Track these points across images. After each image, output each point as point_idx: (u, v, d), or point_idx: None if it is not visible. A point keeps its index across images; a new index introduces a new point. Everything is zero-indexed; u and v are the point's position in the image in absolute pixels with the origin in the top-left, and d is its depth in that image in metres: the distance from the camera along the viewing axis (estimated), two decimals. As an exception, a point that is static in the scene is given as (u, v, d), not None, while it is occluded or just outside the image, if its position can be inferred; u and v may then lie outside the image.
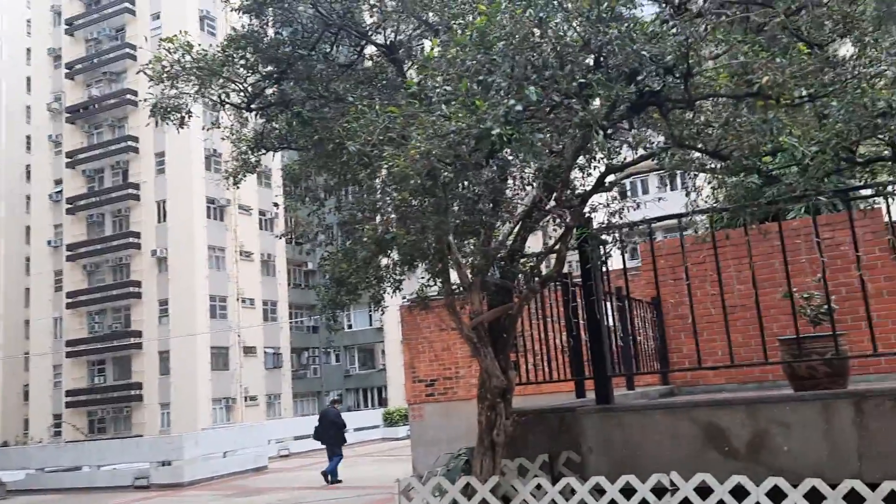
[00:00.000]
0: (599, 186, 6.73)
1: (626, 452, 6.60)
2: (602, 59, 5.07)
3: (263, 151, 9.77)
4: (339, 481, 22.25)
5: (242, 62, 7.69)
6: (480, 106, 4.68)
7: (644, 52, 4.67)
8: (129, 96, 56.74)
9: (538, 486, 6.35)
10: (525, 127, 4.68)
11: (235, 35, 7.87)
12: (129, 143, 56.29)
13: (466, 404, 20.87)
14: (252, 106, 8.34)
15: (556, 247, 6.94)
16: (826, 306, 8.84)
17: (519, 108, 4.76)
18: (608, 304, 12.26)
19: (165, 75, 7.55)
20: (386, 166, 5.42)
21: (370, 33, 8.08)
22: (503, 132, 4.52)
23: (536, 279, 7.39)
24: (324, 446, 23.58)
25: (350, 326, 63.30)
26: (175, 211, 53.93)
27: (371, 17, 8.11)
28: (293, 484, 22.96)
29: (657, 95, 5.26)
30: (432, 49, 5.86)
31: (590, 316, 7.32)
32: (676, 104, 5.21)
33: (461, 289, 7.51)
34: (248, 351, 56.16)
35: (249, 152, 9.47)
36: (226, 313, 54.87)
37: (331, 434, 22.88)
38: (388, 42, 8.08)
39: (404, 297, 10.42)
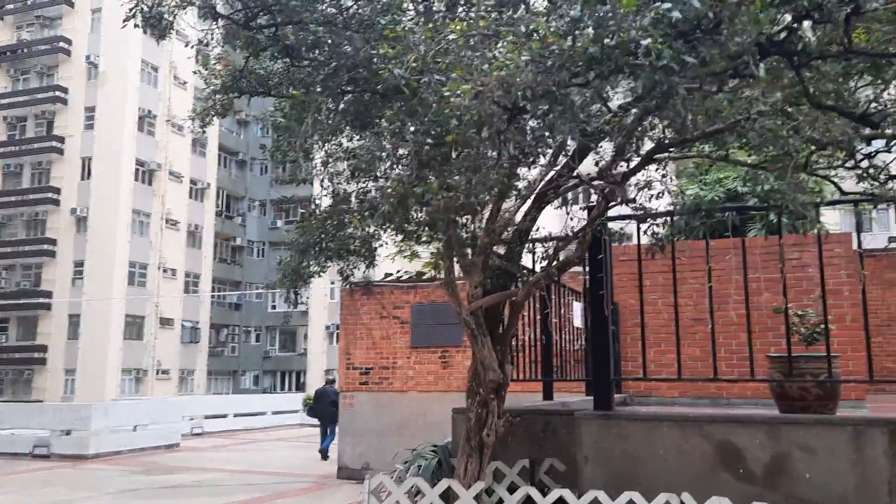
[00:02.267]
0: (647, 162, 6.06)
1: (626, 465, 6.04)
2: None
3: (237, 95, 8.84)
4: (328, 458, 22.55)
5: None
6: (628, 5, 3.57)
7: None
8: (61, 44, 53.64)
9: (527, 497, 5.72)
10: (684, 46, 3.61)
11: None
12: (58, 93, 53.22)
13: (402, 397, 20.24)
14: (252, 23, 7.35)
15: (584, 228, 6.33)
16: (822, 326, 8.50)
17: (678, 15, 3.58)
18: (579, 305, 11.82)
19: None
20: (446, 95, 4.51)
21: None
22: (654, 46, 3.45)
23: (553, 264, 6.75)
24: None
25: (274, 307, 61.77)
26: (101, 170, 51.28)
27: None
28: (207, 465, 21.79)
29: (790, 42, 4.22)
30: None
31: (596, 313, 6.70)
32: (823, 55, 4.27)
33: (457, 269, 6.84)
34: (165, 323, 53.98)
35: (221, 94, 8.54)
36: (145, 282, 52.56)
37: (332, 412, 22.41)
38: None
39: (346, 279, 9.65)
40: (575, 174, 6.80)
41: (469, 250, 6.64)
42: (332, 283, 55.98)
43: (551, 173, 6.81)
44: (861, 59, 4.30)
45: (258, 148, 61.13)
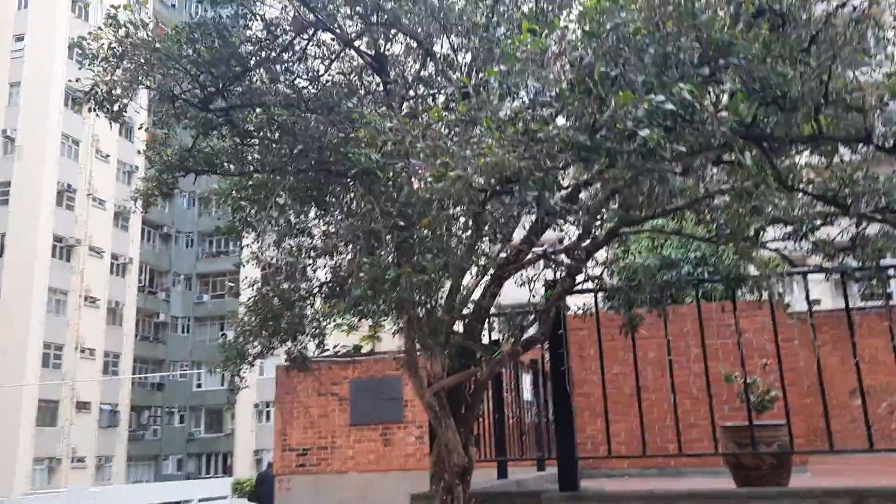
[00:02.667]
0: (611, 238, 6.16)
1: (600, 550, 5.90)
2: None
3: (183, 174, 8.65)
4: None
5: (195, 55, 6.67)
6: (625, 99, 3.70)
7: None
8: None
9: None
10: (672, 135, 3.76)
11: (190, 23, 6.90)
12: (-30, 168, 51.23)
13: (341, 479, 19.55)
14: (211, 105, 7.22)
15: (550, 305, 6.34)
16: (771, 394, 8.69)
17: (670, 106, 3.80)
18: (528, 377, 11.78)
19: (109, 53, 6.40)
20: (428, 179, 4.51)
21: (354, 39, 7.35)
22: (654, 135, 3.56)
23: (518, 342, 6.73)
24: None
25: (199, 385, 59.58)
26: (15, 247, 49.12)
27: (353, 24, 7.47)
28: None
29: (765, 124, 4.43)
30: (510, 38, 4.94)
31: (558, 390, 6.67)
32: (794, 140, 4.45)
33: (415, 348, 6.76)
34: (82, 406, 51.17)
35: (166, 173, 8.34)
36: (60, 363, 49.93)
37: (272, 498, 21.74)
38: (375, 52, 7.38)
39: (294, 360, 9.43)
40: (541, 250, 6.87)
41: (429, 329, 6.56)
42: (261, 360, 54.45)
43: (506, 250, 6.85)
44: (830, 144, 4.52)
45: (184, 220, 60.01)
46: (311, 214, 10.06)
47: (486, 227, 5.72)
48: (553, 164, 4.03)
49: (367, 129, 5.40)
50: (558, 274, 7.25)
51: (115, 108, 6.65)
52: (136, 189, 9.04)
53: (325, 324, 9.33)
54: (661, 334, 11.29)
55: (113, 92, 6.50)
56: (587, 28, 3.96)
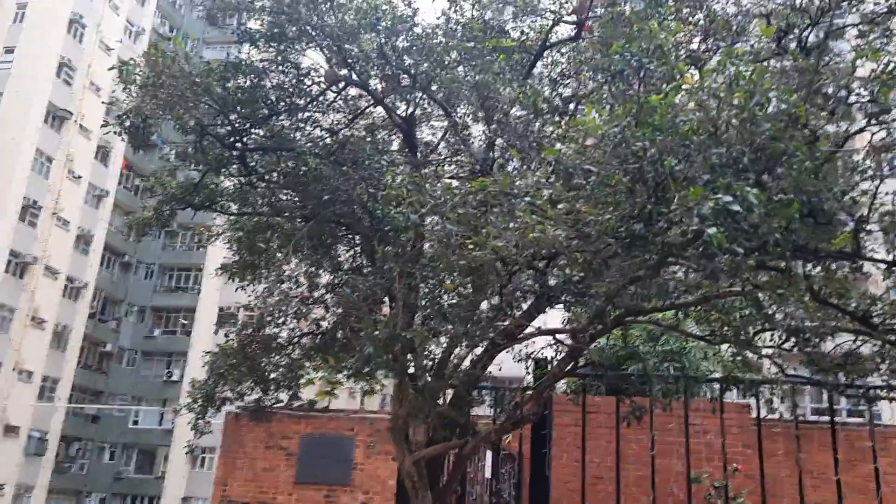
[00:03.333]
0: (615, 325, 6.22)
1: None
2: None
3: (183, 207, 8.61)
4: None
5: (225, 93, 6.69)
6: (695, 196, 3.77)
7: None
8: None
9: None
10: (735, 233, 3.82)
11: (224, 62, 6.95)
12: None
13: (283, 538, 18.76)
14: (239, 143, 7.24)
15: (546, 384, 6.32)
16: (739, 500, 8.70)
17: (736, 207, 3.85)
18: (489, 454, 11.59)
19: (148, 81, 6.38)
20: (469, 248, 4.52)
21: (384, 98, 7.44)
22: (718, 235, 3.61)
23: (510, 419, 6.69)
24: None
25: (136, 422, 57.53)
26: (-32, 257, 47.67)
27: (380, 85, 7.62)
28: None
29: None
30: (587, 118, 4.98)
31: (536, 472, 6.61)
32: (834, 256, 4.57)
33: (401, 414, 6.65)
34: (10, 431, 48.87)
35: (168, 205, 8.28)
36: (-6, 383, 47.89)
37: None
38: (405, 114, 7.48)
39: (263, 409, 9.20)
40: (539, 327, 6.89)
41: (418, 396, 6.50)
42: (180, 405, 52.80)
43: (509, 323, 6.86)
44: (867, 263, 4.66)
45: (147, 251, 58.98)
46: (306, 263, 10.00)
47: (503, 300, 5.76)
48: (603, 247, 4.11)
49: (401, 189, 5.44)
50: (558, 354, 7.26)
51: (144, 132, 6.61)
52: (129, 216, 8.98)
53: (305, 375, 9.17)
54: (627, 429, 11.20)
55: (148, 119, 6.47)
56: (652, 120, 4.09)
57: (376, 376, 12.22)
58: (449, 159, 7.62)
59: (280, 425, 20.50)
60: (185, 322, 58.18)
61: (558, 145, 5.14)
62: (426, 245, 5.65)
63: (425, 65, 7.12)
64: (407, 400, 6.99)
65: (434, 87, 7.55)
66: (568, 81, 7.94)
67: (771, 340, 8.03)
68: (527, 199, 4.59)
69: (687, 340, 7.35)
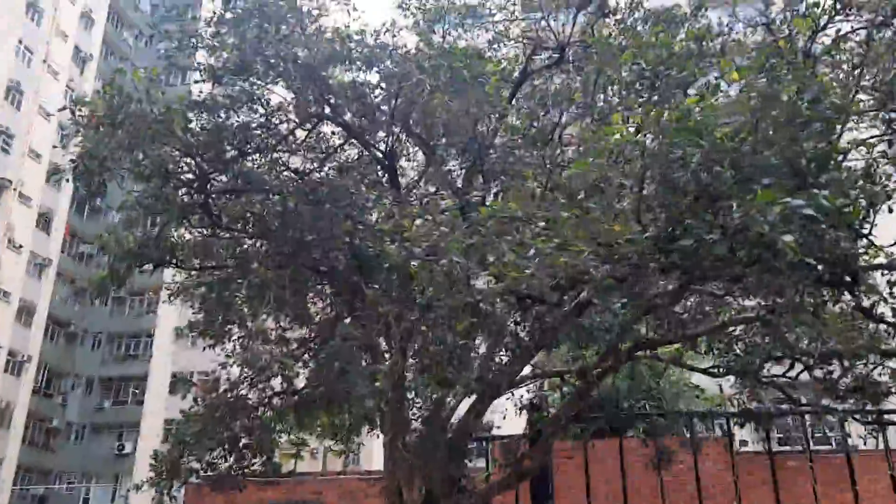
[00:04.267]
0: (626, 361, 5.75)
1: None
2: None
3: (140, 264, 7.92)
4: None
5: (187, 134, 6.12)
6: (765, 198, 3.26)
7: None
8: None
9: None
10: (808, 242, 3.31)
11: (187, 101, 6.37)
12: None
13: None
14: (206, 187, 6.62)
15: (553, 432, 5.77)
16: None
17: (809, 211, 3.32)
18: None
19: (105, 121, 5.76)
20: (487, 277, 3.99)
21: (361, 134, 6.96)
22: (791, 244, 3.10)
23: (514, 473, 6.11)
24: None
25: (87, 501, 54.55)
26: None
27: (356, 120, 7.17)
28: None
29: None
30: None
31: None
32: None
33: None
34: (-50, 519, 45.80)
35: (124, 262, 7.58)
36: (-67, 467, 45.00)
37: None
38: (386, 148, 7.01)
39: (235, 477, 8.49)
40: (548, 370, 6.36)
41: (406, 449, 5.89)
42: (143, 480, 50.34)
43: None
44: None
45: (94, 319, 56.74)
46: (278, 317, 9.32)
47: (516, 341, 5.24)
48: (636, 271, 3.67)
49: (399, 223, 4.94)
50: (563, 397, 6.70)
51: (99, 179, 6.00)
52: (82, 280, 8.25)
53: (278, 439, 8.46)
54: (609, 466, 10.74)
55: (104, 162, 5.85)
56: (691, 125, 3.70)
57: (358, 434, 11.52)
58: (431, 195, 7.20)
59: (244, 494, 19.38)
60: (137, 391, 55.79)
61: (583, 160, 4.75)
62: (420, 283, 5.13)
63: (401, 99, 6.72)
64: (401, 457, 6.36)
65: (411, 121, 7.16)
66: (548, 109, 7.66)
67: (779, 370, 7.73)
68: (541, 223, 4.20)
69: (717, 377, 7.02)
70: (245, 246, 8.83)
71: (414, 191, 7.23)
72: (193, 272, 9.14)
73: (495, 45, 8.27)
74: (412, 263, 4.72)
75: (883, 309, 5.04)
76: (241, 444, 10.99)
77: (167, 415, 50.92)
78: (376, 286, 5.66)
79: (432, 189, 7.56)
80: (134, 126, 6.02)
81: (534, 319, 5.02)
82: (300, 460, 25.19)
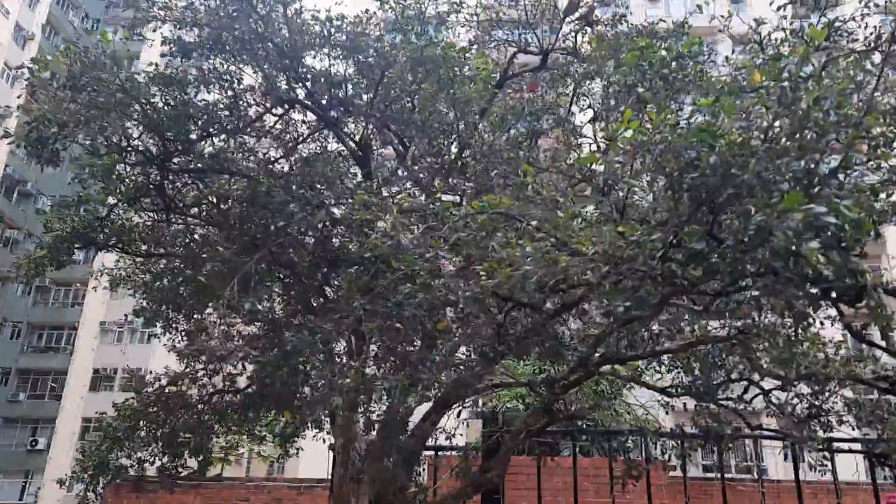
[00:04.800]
0: (591, 375, 5.62)
1: None
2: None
3: (79, 246, 7.44)
4: None
5: (150, 107, 5.69)
6: (790, 203, 3.11)
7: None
8: None
9: None
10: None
11: (154, 73, 5.97)
12: None
13: None
14: (171, 163, 6.20)
15: (515, 441, 5.58)
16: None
17: (831, 219, 3.23)
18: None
19: (67, 83, 5.32)
20: (482, 277, 3.79)
21: (335, 123, 6.67)
22: (813, 253, 2.93)
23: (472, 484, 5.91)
24: None
25: (-8, 498, 51.92)
26: None
27: (332, 109, 6.88)
28: None
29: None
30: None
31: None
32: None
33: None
34: None
35: (66, 243, 7.10)
36: None
37: None
38: (360, 139, 6.73)
39: (169, 477, 8.10)
40: (517, 380, 6.20)
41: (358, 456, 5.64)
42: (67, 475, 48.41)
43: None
44: None
45: (14, 309, 54.26)
46: (227, 310, 8.91)
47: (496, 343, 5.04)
48: (638, 272, 3.52)
49: (375, 214, 4.70)
50: (528, 407, 6.53)
51: (52, 148, 5.56)
52: (14, 262, 7.71)
53: (217, 438, 8.07)
54: (549, 485, 10.61)
55: (63, 129, 5.42)
56: (707, 126, 3.59)
57: (299, 438, 11.12)
58: (406, 188, 6.99)
59: (168, 497, 18.58)
60: (55, 386, 53.47)
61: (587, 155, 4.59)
62: (398, 279, 4.90)
63: (380, 91, 6.49)
64: (350, 462, 6.08)
65: (387, 115, 6.92)
66: (525, 115, 7.58)
67: (732, 392, 7.76)
68: (533, 222, 4.04)
69: (673, 396, 6.96)
70: (199, 234, 8.42)
71: (386, 186, 7.00)
72: (138, 258, 8.66)
73: (475, 46, 8.16)
74: (396, 256, 4.48)
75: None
76: (176, 443, 10.49)
77: (86, 412, 49.01)
78: (346, 280, 5.41)
79: (407, 185, 7.37)
80: (97, 92, 5.62)
81: (511, 324, 4.85)
82: (227, 465, 24.38)
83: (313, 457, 15.54)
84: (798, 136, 3.60)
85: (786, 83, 3.72)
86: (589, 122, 6.60)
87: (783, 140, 3.67)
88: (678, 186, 3.64)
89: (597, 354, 6.07)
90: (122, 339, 52.05)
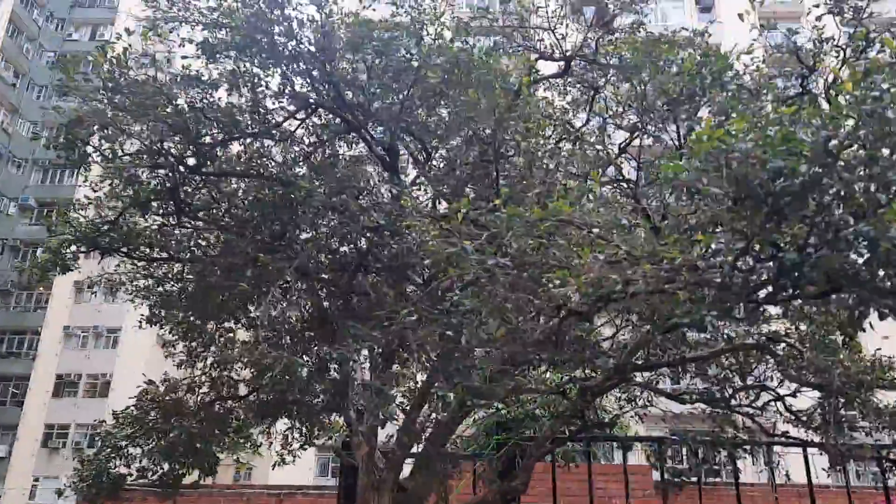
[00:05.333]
0: (622, 382, 5.63)
1: None
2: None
3: (86, 250, 7.25)
4: None
5: (178, 109, 5.54)
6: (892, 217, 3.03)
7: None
8: None
9: None
10: None
11: (179, 74, 5.82)
12: None
13: None
14: (205, 168, 6.06)
15: (541, 451, 5.58)
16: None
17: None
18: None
19: (107, 84, 5.14)
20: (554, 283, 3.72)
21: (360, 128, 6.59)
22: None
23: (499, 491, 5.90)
24: None
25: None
26: None
27: (357, 112, 6.78)
28: None
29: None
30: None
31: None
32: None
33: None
34: None
35: (74, 245, 6.92)
36: None
37: None
38: (389, 145, 6.66)
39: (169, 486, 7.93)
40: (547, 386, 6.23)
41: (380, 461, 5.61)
42: (36, 479, 46.90)
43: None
44: None
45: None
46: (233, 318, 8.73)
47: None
48: (714, 283, 3.53)
49: (432, 217, 4.66)
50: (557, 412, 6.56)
51: (81, 150, 5.40)
52: (30, 265, 7.51)
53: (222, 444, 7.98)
54: (534, 491, 10.62)
55: (106, 130, 5.27)
56: (786, 134, 3.61)
57: (309, 446, 10.96)
58: (431, 194, 6.93)
59: (142, 505, 18.16)
60: (17, 392, 52.09)
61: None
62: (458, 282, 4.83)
63: (409, 94, 6.44)
64: (374, 470, 6.02)
65: (411, 119, 6.87)
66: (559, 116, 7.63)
67: (758, 399, 7.84)
68: (595, 230, 4.03)
69: (688, 403, 7.03)
70: (207, 238, 8.25)
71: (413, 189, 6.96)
72: (139, 263, 8.47)
73: (497, 51, 8.14)
74: (454, 263, 4.42)
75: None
76: (179, 451, 10.24)
77: (49, 419, 47.81)
78: (387, 286, 5.33)
79: (430, 192, 7.33)
80: (134, 93, 5.47)
81: (559, 331, 4.83)
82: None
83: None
84: (885, 142, 3.66)
85: (876, 92, 3.77)
86: (630, 130, 6.64)
87: (867, 148, 3.72)
88: (761, 195, 3.67)
89: (631, 361, 6.10)
90: (86, 345, 50.97)
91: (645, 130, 6.59)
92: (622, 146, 7.13)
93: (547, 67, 9.07)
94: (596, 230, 4.37)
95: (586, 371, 6.15)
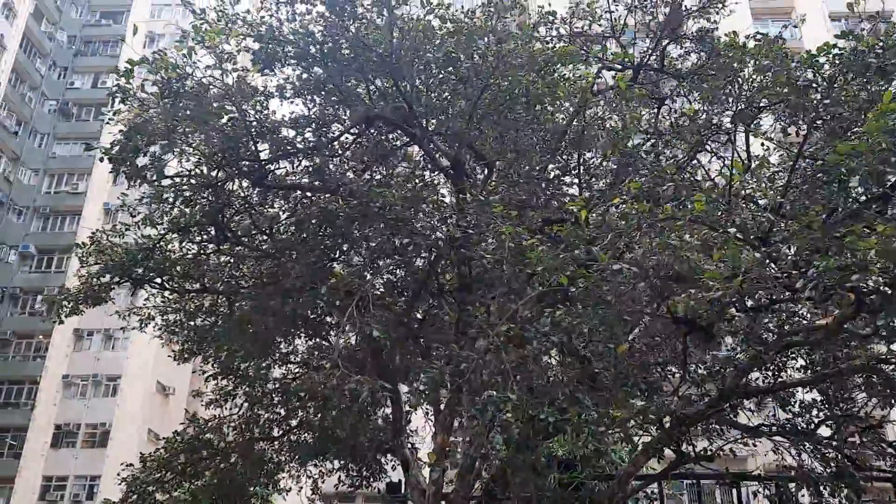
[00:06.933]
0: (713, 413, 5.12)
1: None
2: None
3: (118, 282, 6.75)
4: None
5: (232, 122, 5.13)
6: None
7: None
8: None
9: None
10: None
11: (225, 84, 5.37)
12: None
13: None
14: (267, 181, 5.60)
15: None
16: None
17: None
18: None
19: (163, 90, 4.71)
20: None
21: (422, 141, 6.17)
22: None
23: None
24: None
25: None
26: None
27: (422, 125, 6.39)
28: None
29: None
30: None
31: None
32: None
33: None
34: None
35: (109, 274, 6.43)
36: None
37: None
38: (455, 158, 6.25)
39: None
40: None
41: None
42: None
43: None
44: None
45: None
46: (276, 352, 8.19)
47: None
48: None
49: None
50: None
51: (133, 161, 4.96)
52: (56, 292, 7.00)
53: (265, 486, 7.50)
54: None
55: (164, 137, 4.84)
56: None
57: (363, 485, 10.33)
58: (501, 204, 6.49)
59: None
60: (14, 443, 50.83)
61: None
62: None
63: (481, 100, 6.03)
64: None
65: (476, 133, 6.46)
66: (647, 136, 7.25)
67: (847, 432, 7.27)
68: (731, 229, 3.63)
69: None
70: (235, 270, 7.76)
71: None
72: (171, 296, 7.93)
73: (564, 63, 7.78)
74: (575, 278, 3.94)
75: None
76: (216, 496, 9.57)
77: (47, 470, 46.55)
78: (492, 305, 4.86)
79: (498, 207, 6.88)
80: (193, 103, 5.05)
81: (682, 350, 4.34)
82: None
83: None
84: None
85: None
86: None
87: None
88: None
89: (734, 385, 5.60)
90: (86, 393, 50.00)
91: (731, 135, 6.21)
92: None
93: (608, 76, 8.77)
94: (733, 230, 3.93)
95: (683, 395, 5.62)
